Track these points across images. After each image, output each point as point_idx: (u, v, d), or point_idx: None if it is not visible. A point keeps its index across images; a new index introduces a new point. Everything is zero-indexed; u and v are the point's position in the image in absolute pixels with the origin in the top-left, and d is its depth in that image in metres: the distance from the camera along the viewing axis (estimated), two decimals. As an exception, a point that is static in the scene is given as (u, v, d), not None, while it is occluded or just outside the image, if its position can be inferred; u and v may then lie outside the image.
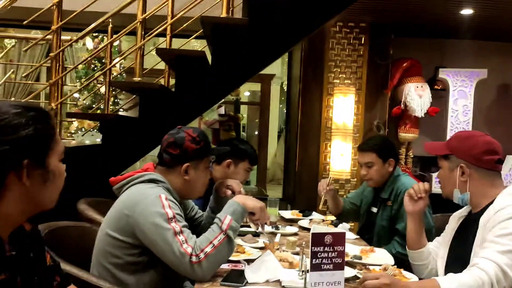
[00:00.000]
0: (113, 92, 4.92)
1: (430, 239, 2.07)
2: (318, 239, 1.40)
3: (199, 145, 1.80)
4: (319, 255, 1.40)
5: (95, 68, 6.23)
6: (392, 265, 1.85)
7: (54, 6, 2.81)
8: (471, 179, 1.71)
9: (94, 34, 5.75)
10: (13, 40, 6.94)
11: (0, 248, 1.01)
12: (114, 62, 3.60)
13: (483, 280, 1.47)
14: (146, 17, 2.85)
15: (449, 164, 1.76)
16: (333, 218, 2.90)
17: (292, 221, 2.78)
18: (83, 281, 1.50)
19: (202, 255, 1.58)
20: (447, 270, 1.74)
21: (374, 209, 2.71)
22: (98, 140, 3.01)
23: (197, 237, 1.66)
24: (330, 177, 2.85)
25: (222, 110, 5.40)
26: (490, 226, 1.58)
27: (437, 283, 1.50)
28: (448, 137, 4.29)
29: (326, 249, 1.40)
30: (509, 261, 1.49)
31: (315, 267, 1.39)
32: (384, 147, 2.64)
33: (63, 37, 2.95)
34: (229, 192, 2.09)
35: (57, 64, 2.86)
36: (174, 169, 1.81)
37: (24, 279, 1.07)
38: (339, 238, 1.43)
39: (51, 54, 2.80)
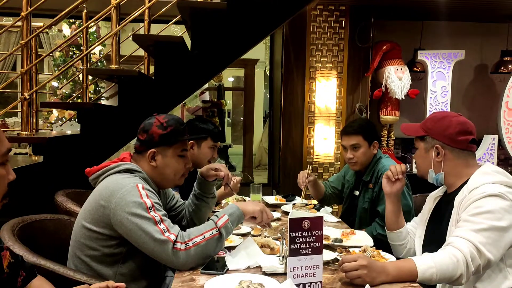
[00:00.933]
0: (93, 80, 4.84)
1: (409, 219, 2.10)
2: (296, 224, 1.40)
3: (166, 130, 1.76)
4: (297, 240, 1.40)
5: (73, 55, 6.10)
6: (371, 247, 1.87)
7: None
8: (446, 159, 1.74)
9: (71, 21, 5.61)
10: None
11: None
12: (91, 49, 3.52)
13: (457, 258, 1.50)
14: (122, 2, 2.78)
15: (424, 145, 1.79)
16: (316, 202, 2.92)
17: (275, 206, 2.79)
18: (60, 275, 1.48)
19: (190, 243, 1.57)
20: (424, 250, 1.78)
21: (357, 192, 2.73)
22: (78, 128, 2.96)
23: (179, 226, 1.65)
24: (309, 167, 2.89)
25: (205, 96, 5.37)
26: (464, 206, 1.60)
27: (413, 262, 1.52)
28: (428, 118, 4.36)
29: (304, 234, 1.40)
30: (483, 239, 1.51)
31: (293, 252, 1.39)
32: (369, 129, 2.65)
33: (35, 24, 2.87)
34: (221, 173, 2.03)
35: (29, 52, 2.79)
36: (143, 155, 1.79)
37: None
38: (317, 223, 1.42)
39: (21, 41, 2.73)
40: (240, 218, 1.74)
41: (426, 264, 1.51)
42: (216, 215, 1.69)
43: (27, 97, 2.72)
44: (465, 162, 1.73)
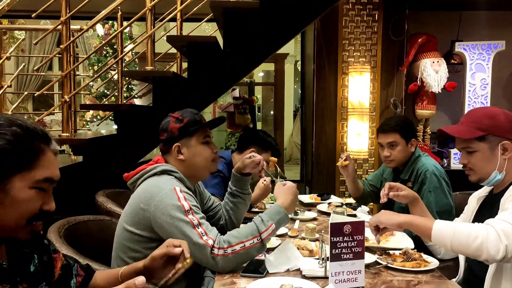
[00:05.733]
0: (127, 79, 4.93)
1: (450, 219, 2.03)
2: (337, 229, 1.38)
3: (183, 123, 1.79)
4: (339, 245, 1.38)
5: (107, 55, 6.23)
6: (412, 249, 1.83)
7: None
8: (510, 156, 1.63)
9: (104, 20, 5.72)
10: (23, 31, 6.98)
11: None
12: (127, 52, 3.58)
13: (484, 229, 1.42)
14: (155, 3, 2.81)
15: (488, 145, 1.64)
16: (352, 200, 2.89)
17: (310, 206, 2.78)
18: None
19: (229, 250, 1.57)
20: None
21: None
22: (115, 126, 3.03)
23: (217, 226, 1.66)
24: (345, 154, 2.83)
25: (236, 93, 5.38)
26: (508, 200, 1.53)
27: (432, 224, 1.51)
28: (466, 112, 4.21)
29: (345, 238, 1.39)
30: None
31: (335, 257, 1.38)
32: (406, 126, 2.59)
33: (72, 27, 2.94)
34: (257, 158, 2.03)
35: (68, 55, 2.86)
36: (170, 154, 1.81)
37: (29, 286, 1.07)
38: (359, 227, 1.41)
39: (62, 45, 2.80)
40: (286, 222, 1.73)
41: (446, 222, 1.50)
42: (263, 221, 1.64)
43: (67, 99, 2.79)
44: None
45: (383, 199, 1.94)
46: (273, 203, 2.76)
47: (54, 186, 1.06)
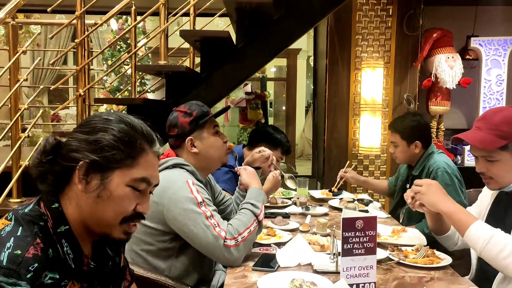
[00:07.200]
0: (140, 74, 4.96)
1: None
2: (349, 224, 1.38)
3: (192, 116, 1.80)
4: (350, 240, 1.38)
5: (120, 49, 6.27)
6: (425, 246, 1.82)
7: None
8: None
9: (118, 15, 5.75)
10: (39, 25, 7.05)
11: (78, 261, 1.01)
12: (140, 46, 3.60)
13: None
14: (168, -3, 2.81)
15: (510, 153, 1.56)
16: (364, 196, 2.89)
17: (322, 201, 2.77)
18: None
19: (240, 238, 1.60)
20: None
21: (408, 186, 2.68)
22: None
23: (228, 220, 1.67)
24: (348, 163, 3.06)
25: (248, 88, 5.37)
26: None
27: (475, 218, 1.51)
28: (481, 109, 4.17)
29: (357, 234, 1.38)
30: None
31: (346, 252, 1.38)
32: (410, 129, 2.57)
33: (87, 21, 2.96)
34: (266, 152, 2.15)
35: (83, 49, 2.89)
36: (182, 149, 1.83)
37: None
38: (371, 222, 1.40)
39: (76, 40, 2.82)
40: (265, 201, 1.83)
41: (485, 227, 1.47)
42: (254, 205, 1.71)
43: (82, 93, 2.82)
44: None
45: (412, 206, 1.80)
46: (286, 198, 2.77)
47: (151, 191, 1.08)
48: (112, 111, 5.74)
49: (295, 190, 2.62)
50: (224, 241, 1.58)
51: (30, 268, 0.89)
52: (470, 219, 1.52)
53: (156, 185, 1.10)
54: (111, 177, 0.99)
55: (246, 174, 1.93)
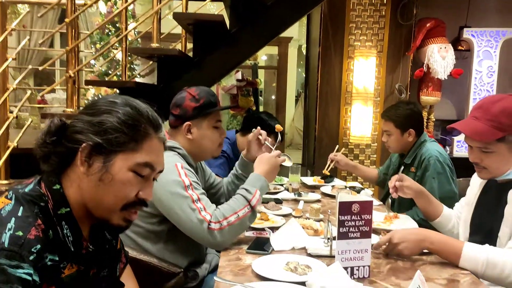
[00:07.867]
0: (129, 58, 4.88)
1: (453, 205, 2.02)
2: (345, 207, 1.38)
3: (199, 103, 1.78)
4: (346, 223, 1.38)
5: (109, 33, 6.16)
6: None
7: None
8: None
9: (108, -3, 5.65)
10: (26, 5, 6.88)
11: (77, 244, 1.00)
12: (131, 29, 3.53)
13: None
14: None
15: (507, 145, 1.53)
16: (354, 184, 2.89)
17: (314, 188, 2.77)
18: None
19: (225, 223, 1.58)
20: (471, 238, 1.70)
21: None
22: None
23: (216, 204, 1.66)
24: (337, 147, 3.09)
25: (239, 75, 5.33)
26: None
27: (462, 243, 1.48)
28: (471, 100, 4.20)
29: (353, 217, 1.38)
30: None
31: (342, 236, 1.38)
32: (404, 118, 2.57)
33: (77, 1, 2.90)
34: (259, 131, 2.08)
35: (73, 30, 2.82)
36: (178, 130, 1.81)
37: (97, 270, 1.08)
38: (367, 206, 1.40)
39: (66, 19, 2.76)
40: (267, 188, 1.76)
41: (476, 248, 1.46)
42: (248, 190, 1.67)
43: (72, 75, 2.77)
44: None
45: (394, 194, 1.92)
46: (279, 184, 2.77)
47: (155, 177, 1.06)
48: (100, 95, 5.66)
49: (291, 165, 2.58)
50: (209, 225, 1.56)
51: (32, 249, 0.88)
52: (456, 249, 1.48)
53: (161, 171, 1.07)
54: (114, 160, 0.97)
55: (259, 158, 1.83)
